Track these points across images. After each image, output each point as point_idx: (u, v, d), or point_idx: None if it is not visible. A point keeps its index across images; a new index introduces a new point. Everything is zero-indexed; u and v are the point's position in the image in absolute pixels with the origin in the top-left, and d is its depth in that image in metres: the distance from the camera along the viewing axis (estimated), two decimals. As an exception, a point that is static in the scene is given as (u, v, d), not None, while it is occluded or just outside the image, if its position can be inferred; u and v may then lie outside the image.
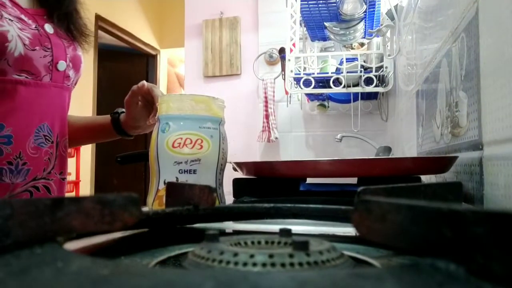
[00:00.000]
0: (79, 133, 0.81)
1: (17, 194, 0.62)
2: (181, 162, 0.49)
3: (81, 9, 0.75)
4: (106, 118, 0.82)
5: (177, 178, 0.49)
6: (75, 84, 0.75)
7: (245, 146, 2.12)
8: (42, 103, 0.64)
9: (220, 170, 0.52)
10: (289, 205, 0.37)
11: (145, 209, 0.35)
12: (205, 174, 0.50)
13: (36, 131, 0.63)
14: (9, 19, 0.59)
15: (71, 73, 0.69)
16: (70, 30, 0.71)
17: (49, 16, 0.68)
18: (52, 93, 0.65)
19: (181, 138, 0.48)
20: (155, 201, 0.50)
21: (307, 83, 1.40)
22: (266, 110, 2.00)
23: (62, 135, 0.69)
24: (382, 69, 1.38)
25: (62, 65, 0.66)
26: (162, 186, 0.49)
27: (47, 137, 0.65)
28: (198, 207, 0.34)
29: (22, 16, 0.62)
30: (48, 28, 0.66)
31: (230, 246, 0.22)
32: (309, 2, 1.42)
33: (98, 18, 3.49)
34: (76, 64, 0.70)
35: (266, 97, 2.01)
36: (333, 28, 1.52)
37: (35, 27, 0.63)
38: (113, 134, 0.82)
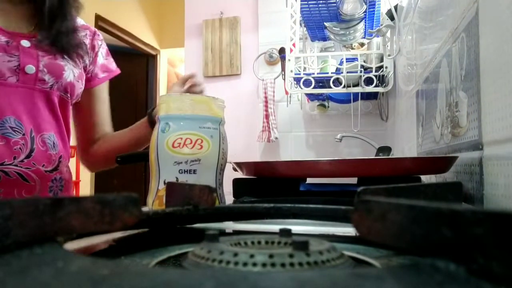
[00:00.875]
0: (127, 139, 0.93)
1: None
2: (181, 162, 0.48)
3: (75, 30, 0.86)
4: (143, 119, 0.92)
5: (177, 178, 0.49)
6: (72, 93, 0.83)
7: (245, 146, 2.12)
8: (4, 99, 0.73)
9: (220, 170, 0.52)
10: (289, 205, 0.37)
11: (145, 209, 0.35)
12: (205, 174, 0.50)
13: (0, 122, 0.73)
14: None
15: (46, 77, 0.78)
16: (63, 49, 0.81)
17: (40, 40, 0.79)
18: (19, 92, 0.75)
19: (181, 138, 0.48)
20: (155, 201, 0.50)
21: (307, 83, 1.40)
22: (266, 110, 2.00)
23: (37, 130, 0.77)
24: (382, 69, 1.38)
25: (30, 68, 0.75)
26: (162, 186, 0.49)
27: (15, 129, 0.74)
28: (198, 207, 0.34)
29: None
30: (25, 43, 0.76)
31: (230, 246, 0.22)
32: (309, 2, 1.42)
33: (98, 18, 3.49)
34: (53, 71, 0.78)
35: (266, 97, 2.01)
36: (333, 28, 1.52)
37: (5, 41, 0.74)
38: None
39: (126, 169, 3.88)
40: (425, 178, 0.75)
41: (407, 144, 1.11)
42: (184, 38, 2.36)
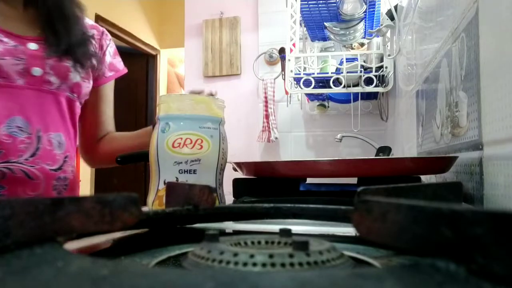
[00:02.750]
0: (131, 144, 0.93)
1: None
2: (181, 162, 0.48)
3: (89, 41, 0.86)
4: (149, 128, 0.91)
5: (177, 178, 0.49)
6: (79, 92, 0.84)
7: (245, 146, 2.12)
8: (12, 100, 0.76)
9: (220, 170, 0.52)
10: (289, 205, 0.37)
11: (145, 209, 0.35)
12: (205, 174, 0.50)
13: (8, 122, 0.75)
14: None
15: (52, 79, 0.80)
16: (76, 61, 0.82)
17: (49, 52, 0.80)
18: (27, 93, 0.78)
19: (181, 138, 0.48)
20: (155, 201, 0.50)
21: (307, 83, 1.40)
22: (266, 110, 2.00)
23: (45, 130, 0.79)
24: (382, 69, 1.38)
25: (36, 71, 0.78)
26: (162, 186, 0.49)
27: (21, 129, 0.76)
28: (198, 207, 0.34)
29: (5, 39, 0.76)
30: (32, 46, 0.78)
31: (230, 246, 0.22)
32: (309, 2, 1.42)
33: (98, 18, 3.49)
34: (59, 72, 0.80)
35: (266, 97, 2.01)
36: (333, 28, 1.52)
37: (13, 45, 0.76)
38: None
39: (126, 169, 3.88)
40: (425, 178, 0.75)
41: (407, 144, 1.11)
42: (184, 38, 2.36)
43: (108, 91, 0.96)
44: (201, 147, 0.49)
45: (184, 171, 0.48)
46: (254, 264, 0.19)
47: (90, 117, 0.94)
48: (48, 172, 0.79)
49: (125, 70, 0.98)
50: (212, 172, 0.51)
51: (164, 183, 0.49)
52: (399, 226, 0.18)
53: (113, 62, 0.95)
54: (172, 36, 4.52)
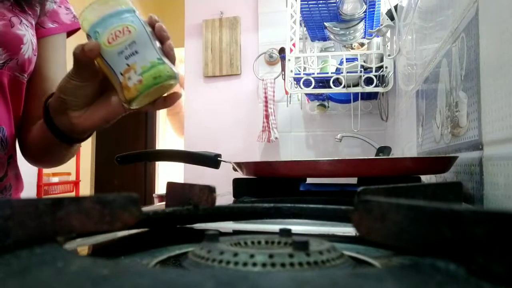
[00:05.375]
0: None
1: None
2: (122, 50, 0.52)
3: None
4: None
5: (127, 64, 0.51)
6: (28, 70, 0.60)
7: (245, 146, 2.12)
8: None
9: (154, 40, 0.55)
10: (289, 205, 0.37)
11: (145, 209, 0.35)
12: (146, 50, 0.53)
13: None
14: None
15: None
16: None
17: None
18: None
19: (111, 33, 0.52)
20: (124, 91, 0.52)
21: (307, 83, 1.40)
22: (266, 110, 2.00)
23: None
24: (382, 69, 1.38)
25: None
26: (121, 78, 0.51)
27: None
28: (198, 207, 0.34)
29: None
30: None
31: (230, 246, 0.22)
32: (309, 2, 1.42)
33: (98, 18, 3.49)
34: (9, 44, 0.56)
35: (266, 97, 2.01)
36: (333, 28, 1.52)
37: None
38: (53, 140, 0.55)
39: (126, 169, 3.88)
40: (425, 178, 0.75)
41: (407, 144, 1.11)
42: (184, 38, 2.36)
43: (51, 49, 0.64)
44: (130, 31, 0.53)
45: (129, 56, 0.52)
46: (254, 264, 0.19)
47: (31, 87, 0.63)
48: None
49: (75, 25, 0.67)
50: (149, 45, 0.54)
51: (121, 73, 0.50)
52: (399, 226, 0.18)
53: (58, 11, 0.65)
54: (172, 36, 4.48)
